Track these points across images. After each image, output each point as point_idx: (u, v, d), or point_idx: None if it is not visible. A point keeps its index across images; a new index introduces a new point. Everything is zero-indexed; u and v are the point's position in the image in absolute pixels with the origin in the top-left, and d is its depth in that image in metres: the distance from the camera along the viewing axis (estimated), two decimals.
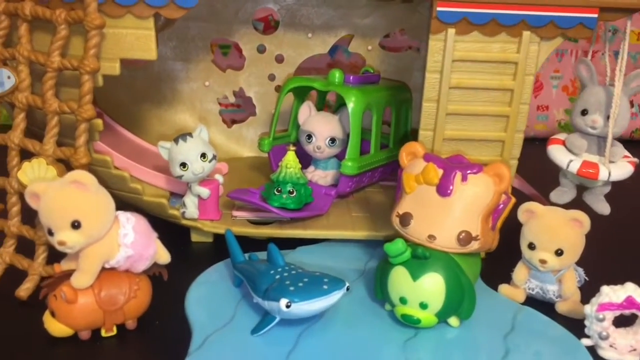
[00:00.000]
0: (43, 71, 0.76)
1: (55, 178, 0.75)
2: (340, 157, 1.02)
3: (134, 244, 0.69)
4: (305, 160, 1.03)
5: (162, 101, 1.19)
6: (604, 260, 0.92)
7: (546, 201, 0.92)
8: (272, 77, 1.22)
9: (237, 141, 1.24)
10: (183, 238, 0.95)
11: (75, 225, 0.65)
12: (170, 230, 0.89)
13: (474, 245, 0.72)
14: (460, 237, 0.71)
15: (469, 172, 0.72)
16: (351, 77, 1.01)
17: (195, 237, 0.95)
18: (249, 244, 0.86)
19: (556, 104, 1.56)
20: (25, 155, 0.79)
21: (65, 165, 0.77)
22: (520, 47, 0.80)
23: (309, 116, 1.02)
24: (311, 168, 1.04)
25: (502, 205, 0.74)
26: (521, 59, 0.81)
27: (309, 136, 1.01)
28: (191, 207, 0.92)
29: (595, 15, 0.79)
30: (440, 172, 0.73)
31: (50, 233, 0.67)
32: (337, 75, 1.00)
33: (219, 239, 0.92)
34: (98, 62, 0.74)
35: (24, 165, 0.76)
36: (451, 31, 0.79)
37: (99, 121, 0.80)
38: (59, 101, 0.76)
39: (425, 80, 0.82)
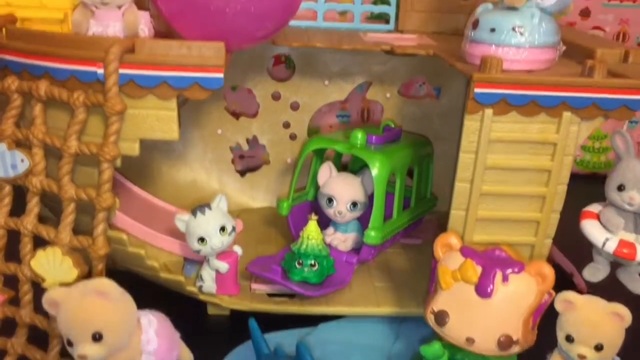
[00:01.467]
0: (59, 152, 0.72)
1: (71, 269, 0.71)
2: (360, 218, 0.99)
3: (157, 351, 0.66)
4: (324, 219, 0.99)
5: (172, 150, 1.15)
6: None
7: (580, 277, 0.89)
8: (286, 125, 1.18)
9: (251, 191, 1.20)
10: (199, 310, 0.91)
11: (97, 337, 0.62)
12: (185, 301, 0.85)
13: (515, 349, 0.69)
14: (501, 340, 0.68)
15: (509, 271, 0.68)
16: (374, 138, 0.98)
17: (211, 310, 0.92)
18: (269, 319, 0.83)
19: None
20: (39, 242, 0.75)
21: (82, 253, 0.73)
22: (560, 128, 0.77)
23: (329, 177, 0.98)
24: (330, 230, 1.01)
25: (543, 304, 0.71)
26: (560, 140, 0.77)
27: (330, 200, 0.97)
28: (209, 281, 0.88)
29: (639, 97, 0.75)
30: (479, 269, 0.69)
31: (70, 344, 0.63)
32: (359, 136, 0.96)
33: (237, 313, 0.88)
34: (118, 149, 0.70)
35: (38, 254, 0.72)
36: (488, 112, 0.76)
37: (117, 202, 0.76)
38: (76, 187, 0.72)
39: (459, 160, 0.78)
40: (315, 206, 1.03)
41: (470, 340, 0.68)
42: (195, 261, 0.93)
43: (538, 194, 0.80)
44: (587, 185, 0.90)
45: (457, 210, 0.81)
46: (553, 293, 0.72)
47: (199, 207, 0.85)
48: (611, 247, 0.83)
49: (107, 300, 0.63)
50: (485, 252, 0.73)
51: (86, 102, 0.70)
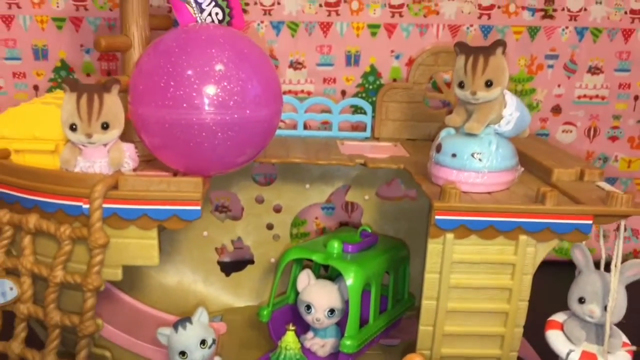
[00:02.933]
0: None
1: None
2: (339, 322, 1.03)
3: None
4: (303, 323, 1.03)
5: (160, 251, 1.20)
6: None
7: None
8: (270, 226, 1.23)
9: (235, 290, 1.24)
10: None
11: None
12: None
13: None
14: None
15: None
16: (350, 247, 1.02)
17: None
18: None
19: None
20: None
21: None
22: (517, 250, 0.82)
23: (307, 285, 1.03)
24: (310, 334, 1.04)
25: None
26: (519, 260, 0.82)
27: (308, 307, 1.01)
28: None
29: (590, 222, 0.80)
30: None
31: None
32: (335, 246, 1.01)
33: None
34: (101, 279, 0.75)
35: None
36: (449, 236, 0.81)
37: (101, 322, 0.80)
38: (62, 314, 0.77)
39: (425, 280, 0.83)
40: (294, 310, 1.06)
41: None
42: None
43: (501, 310, 0.84)
44: (565, 272, 0.94)
45: (425, 326, 0.85)
46: None
47: (180, 321, 0.88)
48: (574, 358, 0.86)
49: None
50: None
51: (72, 236, 0.75)
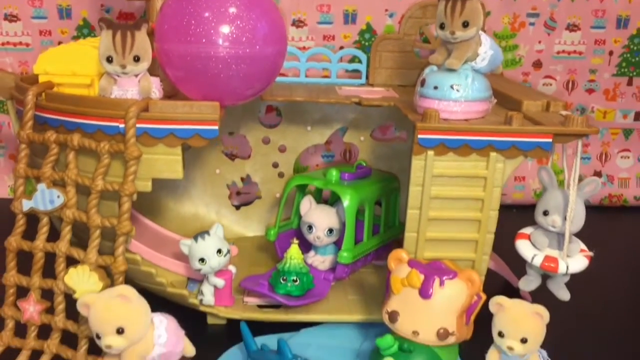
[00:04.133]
0: (87, 188, 0.91)
1: (97, 282, 0.89)
2: (337, 242, 1.17)
3: (167, 343, 0.83)
4: (306, 244, 1.17)
5: (177, 187, 1.34)
6: (564, 341, 1.06)
7: (516, 281, 1.07)
8: (275, 165, 1.37)
9: (245, 222, 1.38)
10: (200, 320, 1.09)
11: (120, 331, 0.79)
12: (188, 314, 1.02)
13: (451, 340, 0.86)
14: (439, 332, 0.85)
15: (445, 277, 0.86)
16: (346, 175, 1.16)
17: (210, 320, 1.09)
18: (259, 325, 1.00)
19: (532, 175, 1.70)
20: (70, 260, 0.93)
21: (105, 269, 0.91)
22: (488, 165, 0.95)
23: (309, 209, 1.17)
24: (311, 253, 1.19)
25: (474, 304, 0.88)
26: (489, 175, 0.95)
27: (310, 227, 1.15)
28: (208, 295, 1.05)
29: (550, 140, 0.94)
30: (422, 277, 0.87)
31: (98, 337, 0.80)
32: (334, 174, 1.15)
33: (232, 320, 1.05)
34: (135, 187, 0.89)
35: (70, 271, 0.90)
36: (430, 153, 0.94)
37: (134, 230, 0.94)
38: (101, 217, 0.91)
39: (410, 192, 0.97)
40: (298, 233, 1.21)
41: (415, 333, 0.86)
42: (196, 280, 1.11)
43: (475, 219, 0.98)
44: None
45: (410, 232, 0.99)
46: (482, 295, 0.90)
47: (199, 233, 1.03)
48: (538, 261, 1.00)
49: (128, 302, 0.81)
50: (428, 264, 0.91)
51: (110, 150, 0.89)
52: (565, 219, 1.00)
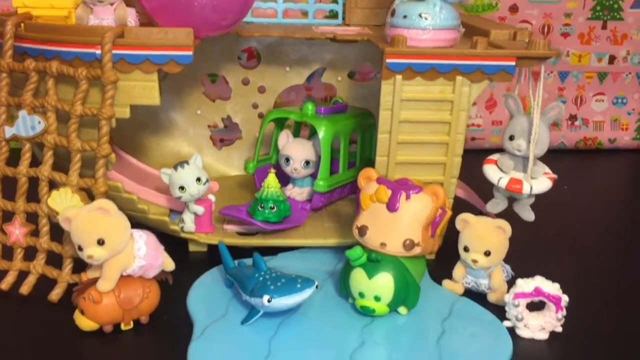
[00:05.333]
0: (67, 117, 0.94)
1: (79, 204, 0.92)
2: (314, 176, 1.21)
3: (146, 255, 0.87)
4: (285, 179, 1.21)
5: (160, 128, 1.37)
6: (528, 259, 1.11)
7: (484, 207, 1.11)
8: (255, 106, 1.40)
9: (226, 162, 1.42)
10: (182, 248, 1.13)
11: (100, 242, 0.83)
12: (171, 242, 1.06)
13: (417, 250, 0.90)
14: (406, 243, 0.89)
15: (411, 192, 0.90)
16: (322, 109, 1.20)
17: (192, 248, 1.13)
18: (238, 251, 1.04)
19: (508, 119, 1.74)
20: (53, 185, 0.97)
21: (87, 192, 0.95)
22: (455, 89, 0.99)
23: (287, 142, 1.21)
24: (290, 186, 1.23)
25: (438, 218, 0.93)
26: (456, 98, 0.99)
27: (287, 159, 1.19)
28: (189, 222, 1.10)
29: (513, 63, 0.97)
30: (389, 192, 0.91)
31: (80, 249, 0.84)
32: (309, 107, 1.19)
33: (212, 249, 1.09)
34: (113, 110, 0.92)
35: (53, 194, 0.94)
36: (398, 77, 0.98)
37: (113, 156, 0.97)
38: (81, 141, 0.94)
39: (380, 116, 1.00)
40: (276, 168, 1.24)
41: (383, 245, 0.90)
42: (178, 212, 1.15)
43: (442, 142, 1.02)
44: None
45: (380, 157, 1.03)
46: (447, 210, 0.94)
47: (179, 163, 1.06)
48: (503, 183, 1.05)
49: (108, 215, 0.85)
50: (395, 181, 0.95)
51: (88, 75, 0.92)
52: (530, 142, 1.04)
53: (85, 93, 0.93)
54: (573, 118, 1.77)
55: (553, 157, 1.09)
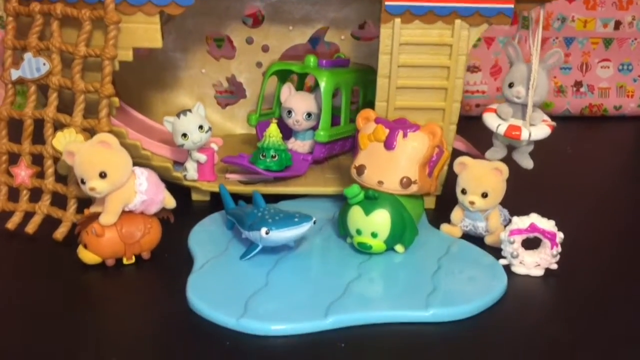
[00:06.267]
0: (71, 59, 0.96)
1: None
2: (316, 129, 1.22)
3: (147, 191, 0.89)
4: (287, 133, 1.22)
5: (165, 86, 1.39)
6: (525, 206, 1.11)
7: (483, 157, 1.12)
8: (259, 65, 1.42)
9: (231, 120, 1.44)
10: (185, 197, 1.15)
11: (102, 175, 0.85)
12: (174, 191, 1.08)
13: (413, 188, 0.91)
14: (402, 181, 0.91)
15: (409, 130, 0.91)
16: (324, 62, 1.21)
17: (195, 196, 1.15)
18: (239, 200, 1.06)
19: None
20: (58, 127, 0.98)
21: (91, 134, 0.97)
22: (453, 33, 0.99)
23: (289, 95, 1.22)
24: (292, 139, 1.24)
25: (436, 157, 0.94)
26: (455, 42, 1.00)
27: (289, 112, 1.20)
28: (191, 170, 1.11)
29: (512, 6, 0.98)
30: (387, 131, 0.92)
31: (83, 182, 0.86)
32: (311, 60, 1.20)
33: (215, 198, 1.11)
34: (116, 50, 0.94)
35: (57, 135, 0.95)
36: (397, 21, 0.99)
37: (116, 99, 0.99)
38: (85, 82, 0.96)
39: (379, 61, 1.01)
40: (279, 122, 1.26)
41: (380, 183, 0.91)
42: (181, 163, 1.17)
43: (441, 87, 1.03)
44: None
45: (380, 102, 1.04)
46: (445, 150, 0.95)
47: (182, 111, 1.08)
48: (502, 129, 1.05)
49: (110, 149, 0.86)
50: (393, 121, 0.96)
51: (91, 16, 0.94)
52: (529, 89, 1.04)
53: (88, 34, 0.95)
54: (578, 85, 1.77)
55: (558, 124, 1.09)
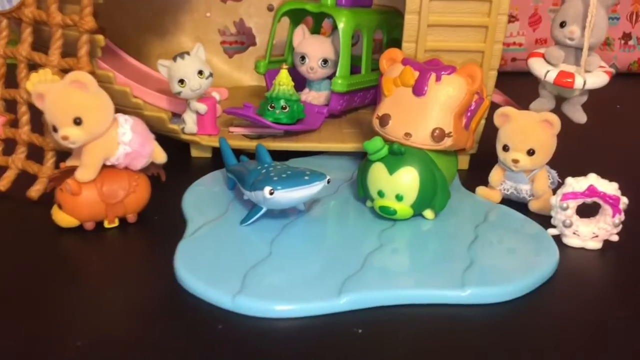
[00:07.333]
0: None
1: None
2: (332, 78, 1.07)
3: (131, 142, 0.75)
4: (301, 83, 1.08)
5: (165, 32, 1.25)
6: (579, 163, 0.96)
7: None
8: (271, 8, 1.26)
9: (239, 70, 1.29)
10: (184, 153, 1.01)
11: (77, 121, 0.72)
12: (171, 147, 0.94)
13: (447, 142, 0.77)
14: (434, 134, 0.76)
15: (442, 73, 0.76)
16: (343, 0, 1.05)
17: (195, 153, 1.01)
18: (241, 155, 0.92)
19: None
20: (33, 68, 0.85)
21: None
22: None
23: (302, 39, 1.07)
24: (306, 90, 1.09)
25: (474, 105, 0.79)
26: None
27: (303, 57, 1.06)
28: (190, 122, 0.98)
29: None
30: (417, 74, 0.77)
31: (55, 130, 0.73)
32: None
33: (218, 155, 0.97)
34: None
35: (32, 76, 0.82)
36: None
37: (101, 37, 0.85)
38: (62, 15, 0.82)
39: None
40: (292, 71, 1.11)
41: (408, 135, 0.77)
42: (180, 115, 1.03)
43: (481, 24, 0.87)
44: None
45: (407, 42, 0.88)
46: (485, 98, 0.80)
47: (179, 54, 0.94)
48: (552, 76, 0.89)
49: (86, 90, 0.72)
50: (424, 62, 0.81)
51: None
52: (585, 29, 0.88)
53: None
54: (627, 37, 1.59)
55: None
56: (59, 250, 0.75)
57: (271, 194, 0.71)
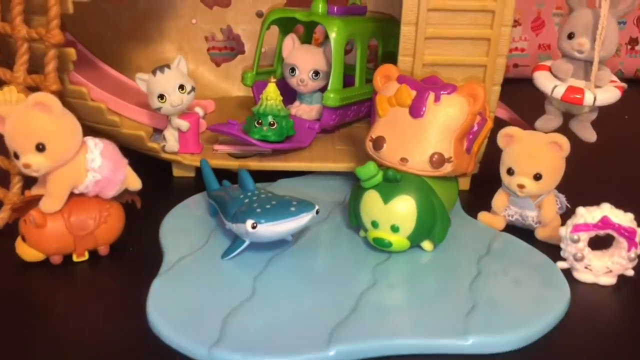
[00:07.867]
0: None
1: None
2: (324, 91, 1.00)
3: (101, 168, 0.69)
4: (290, 96, 1.01)
5: (148, 40, 1.18)
6: (590, 188, 0.90)
7: (530, 128, 0.90)
8: (260, 14, 1.20)
9: (226, 80, 1.23)
10: (165, 173, 0.95)
11: (40, 147, 0.65)
12: (151, 166, 0.88)
13: (447, 168, 0.70)
14: (433, 159, 0.69)
15: (442, 92, 0.70)
16: (335, 9, 0.99)
17: (177, 172, 0.95)
18: (230, 177, 0.85)
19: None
20: None
21: None
22: None
23: (292, 49, 1.00)
24: (296, 103, 1.03)
25: (477, 127, 0.72)
26: None
27: (293, 69, 0.99)
28: (171, 140, 0.91)
29: None
30: (414, 93, 0.71)
31: (17, 156, 0.66)
32: (320, 5, 0.98)
33: (201, 174, 0.91)
34: None
35: None
36: None
37: (72, 50, 0.79)
38: (28, 28, 0.75)
39: (403, 3, 0.79)
40: (281, 83, 1.04)
41: (404, 160, 0.70)
42: (162, 131, 0.96)
43: (483, 37, 0.80)
44: None
45: (404, 56, 0.82)
46: (488, 118, 0.74)
47: (158, 67, 0.87)
48: (559, 92, 0.83)
49: (50, 114, 0.66)
50: (421, 79, 0.74)
51: None
52: (594, 42, 0.82)
53: None
54: (633, 42, 1.53)
55: None
56: (22, 286, 0.69)
57: (254, 227, 0.65)
